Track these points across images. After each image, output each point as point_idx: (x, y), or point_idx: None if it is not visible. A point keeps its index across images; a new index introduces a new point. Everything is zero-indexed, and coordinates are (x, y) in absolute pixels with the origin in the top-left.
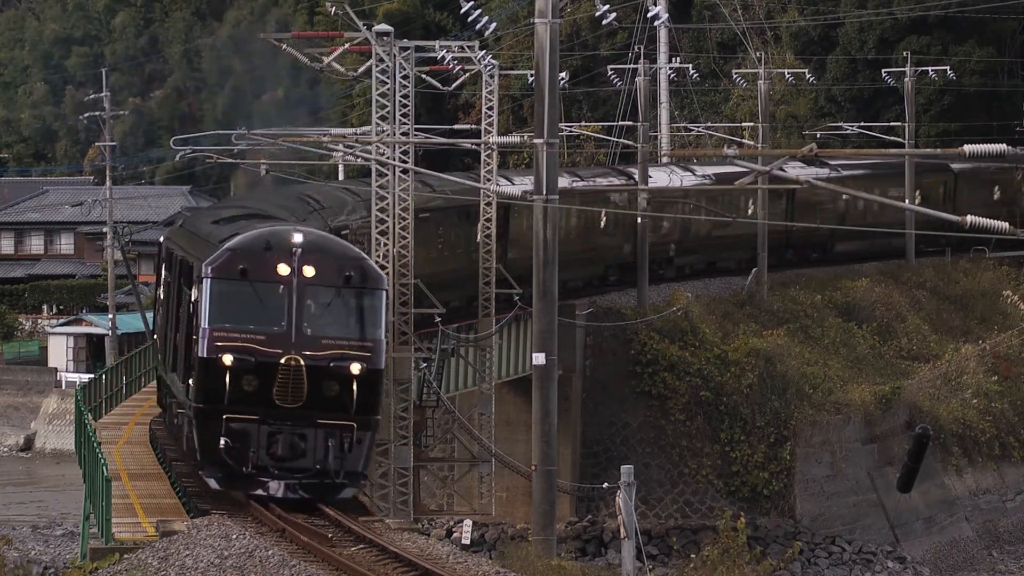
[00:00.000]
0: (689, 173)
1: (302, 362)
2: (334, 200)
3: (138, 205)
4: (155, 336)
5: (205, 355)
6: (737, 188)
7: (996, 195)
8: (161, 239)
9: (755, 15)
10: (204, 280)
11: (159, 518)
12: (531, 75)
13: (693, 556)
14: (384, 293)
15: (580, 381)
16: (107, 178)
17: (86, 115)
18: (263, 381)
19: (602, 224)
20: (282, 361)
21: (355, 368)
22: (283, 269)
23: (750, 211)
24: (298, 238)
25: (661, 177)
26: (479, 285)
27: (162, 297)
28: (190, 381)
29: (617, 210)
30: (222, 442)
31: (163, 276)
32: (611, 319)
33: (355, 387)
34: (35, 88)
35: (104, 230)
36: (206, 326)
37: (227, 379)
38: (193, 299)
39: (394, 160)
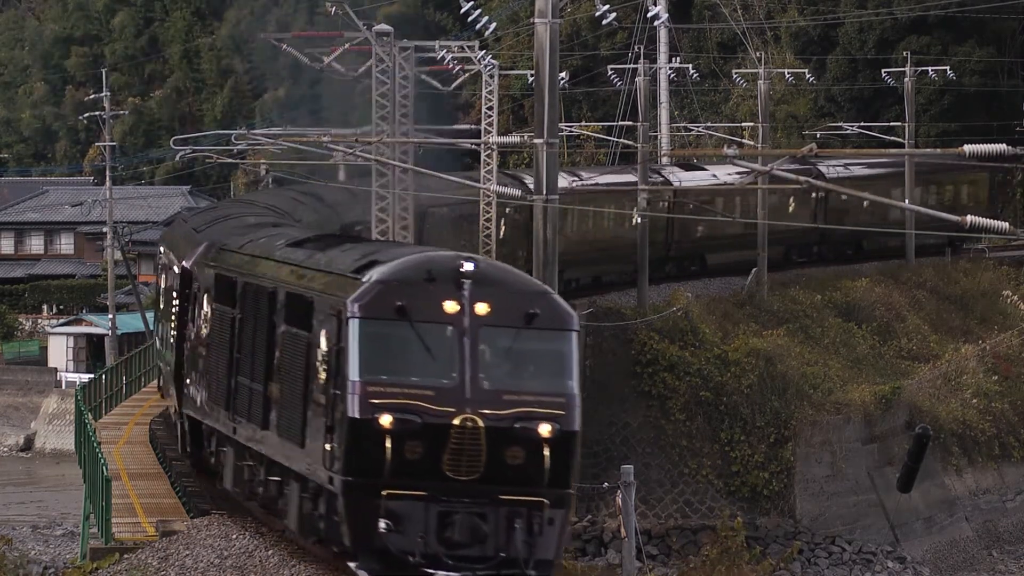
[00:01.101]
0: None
1: (480, 423)
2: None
3: (138, 205)
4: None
5: (357, 415)
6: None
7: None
8: (187, 264)
9: (755, 15)
10: (350, 321)
11: (159, 518)
12: (531, 75)
13: (693, 556)
14: (576, 335)
15: (580, 381)
16: (107, 178)
17: (86, 115)
18: (431, 447)
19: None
20: (455, 422)
21: (545, 430)
22: (451, 306)
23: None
24: (468, 266)
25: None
26: None
27: (202, 334)
28: (328, 447)
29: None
30: (381, 525)
31: (201, 310)
32: (611, 319)
33: (546, 453)
34: (35, 88)
35: (104, 230)
36: (356, 379)
37: (386, 445)
38: (327, 346)
39: (394, 160)
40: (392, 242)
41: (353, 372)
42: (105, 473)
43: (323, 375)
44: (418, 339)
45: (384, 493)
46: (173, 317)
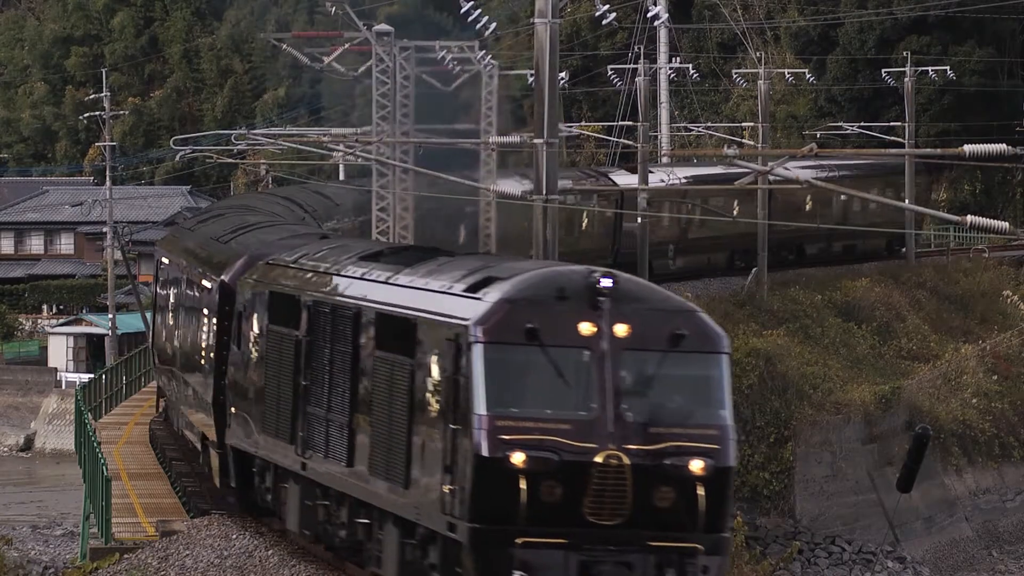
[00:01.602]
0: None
1: (625, 460)
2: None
3: (138, 205)
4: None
5: (486, 454)
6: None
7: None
8: (227, 279)
9: (755, 15)
10: (474, 347)
11: (159, 518)
12: (531, 75)
13: None
14: (727, 358)
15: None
16: (107, 178)
17: (86, 115)
18: (570, 489)
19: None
20: (597, 459)
21: (697, 466)
22: (587, 327)
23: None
24: (606, 282)
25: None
26: None
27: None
28: (446, 489)
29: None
30: None
31: (248, 331)
32: None
33: (700, 493)
34: (35, 88)
35: (104, 230)
36: (483, 412)
37: (520, 487)
38: (440, 374)
39: (394, 160)
40: (491, 255)
41: (479, 404)
42: (105, 473)
43: (435, 407)
44: (551, 366)
45: (518, 541)
46: (204, 337)
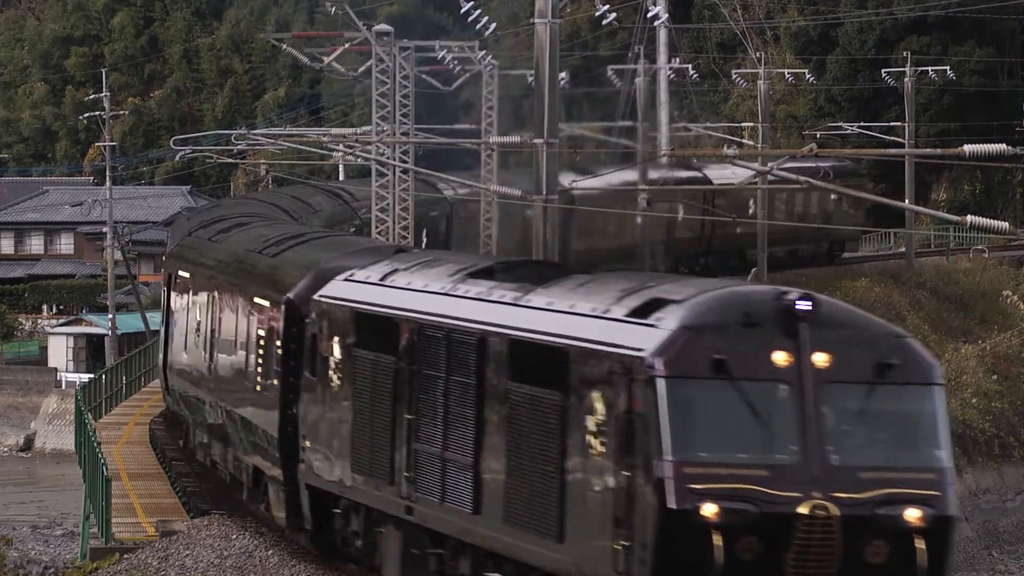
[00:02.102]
0: None
1: (834, 510)
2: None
3: (138, 205)
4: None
5: (674, 506)
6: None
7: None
8: (292, 297)
9: (755, 15)
10: (656, 381)
11: (159, 518)
12: (531, 75)
13: None
14: (942, 390)
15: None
16: (107, 178)
17: (86, 115)
18: (771, 544)
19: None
20: (801, 510)
21: (914, 516)
22: (782, 357)
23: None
24: (804, 304)
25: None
26: None
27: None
28: (621, 545)
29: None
30: None
31: (328, 357)
32: None
33: (919, 547)
34: (35, 88)
35: (104, 230)
36: (669, 458)
37: (714, 544)
38: (607, 412)
39: (394, 160)
40: (639, 272)
41: (664, 449)
42: (105, 473)
43: (599, 450)
44: (743, 403)
45: None
46: (260, 362)
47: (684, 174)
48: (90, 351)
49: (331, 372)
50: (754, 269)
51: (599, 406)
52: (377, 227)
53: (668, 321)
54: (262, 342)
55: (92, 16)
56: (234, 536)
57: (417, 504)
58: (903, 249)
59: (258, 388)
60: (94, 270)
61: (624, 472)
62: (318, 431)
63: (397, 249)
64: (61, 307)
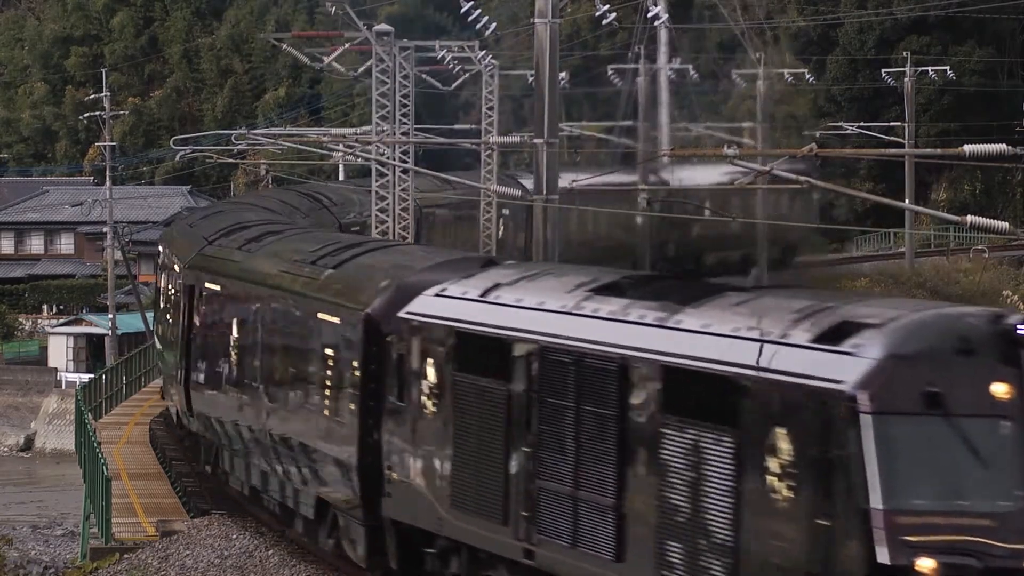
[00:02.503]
0: None
1: None
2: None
3: (138, 205)
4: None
5: (887, 560)
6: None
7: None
8: (372, 312)
9: (755, 15)
10: (861, 418)
11: (159, 518)
12: (531, 75)
13: None
14: None
15: None
16: (107, 178)
17: (86, 115)
18: None
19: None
20: None
21: None
22: (1003, 390)
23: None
24: None
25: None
26: None
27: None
28: None
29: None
30: None
31: (417, 380)
32: None
33: None
34: (35, 88)
35: (104, 230)
36: (879, 506)
37: None
38: (798, 452)
39: (394, 160)
40: (811, 289)
41: (874, 496)
42: (105, 473)
43: (786, 495)
44: (961, 442)
45: None
46: (326, 384)
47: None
48: (90, 351)
49: (424, 397)
50: (754, 269)
51: (784, 445)
52: (377, 227)
53: (869, 348)
54: (330, 362)
55: (92, 16)
56: (234, 536)
57: (539, 548)
58: (903, 249)
59: (326, 412)
60: (94, 270)
61: (820, 521)
62: (408, 462)
63: (485, 261)
64: (61, 307)
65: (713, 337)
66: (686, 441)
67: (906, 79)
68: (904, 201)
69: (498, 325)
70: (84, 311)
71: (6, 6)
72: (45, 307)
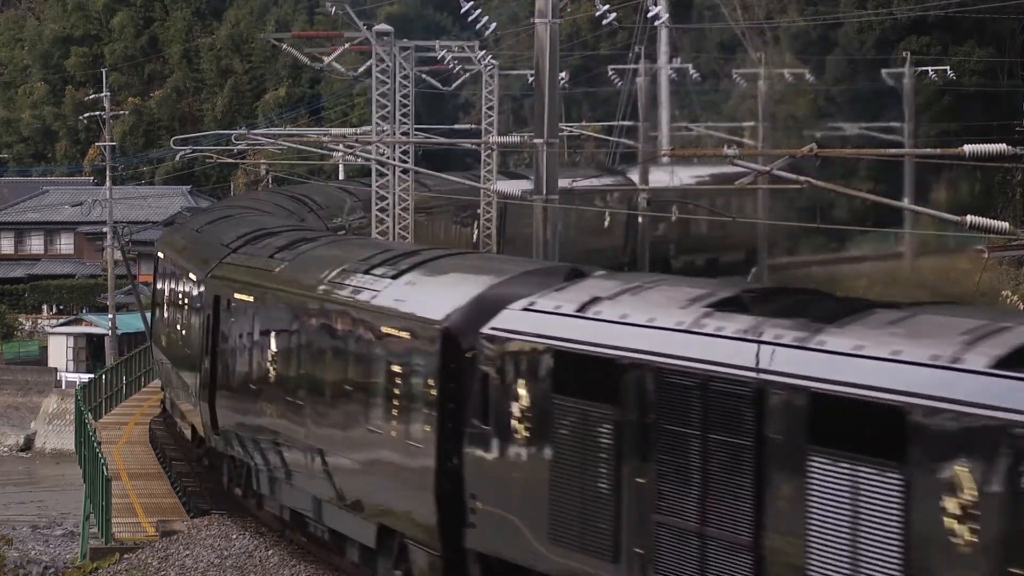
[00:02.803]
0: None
1: None
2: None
3: (138, 205)
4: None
5: None
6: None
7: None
8: (448, 325)
9: (755, 15)
10: None
11: (159, 518)
12: (531, 75)
13: None
14: None
15: None
16: (107, 178)
17: (86, 115)
18: None
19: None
20: None
21: None
22: None
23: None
24: None
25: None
26: None
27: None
28: None
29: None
30: None
31: (504, 404)
32: None
33: None
34: (35, 88)
35: (104, 230)
36: None
37: None
38: (994, 492)
39: (394, 160)
40: (955, 306)
41: None
42: (105, 473)
43: (969, 539)
44: None
45: None
46: (394, 404)
47: (610, 179)
48: (90, 351)
49: (515, 421)
50: (754, 269)
51: (966, 484)
52: (377, 227)
53: None
54: (399, 380)
55: (92, 16)
56: (234, 536)
57: None
58: (902, 249)
59: (394, 434)
60: (94, 270)
61: (1015, 571)
62: (495, 491)
63: (569, 271)
64: (61, 307)
65: (866, 360)
66: (840, 476)
67: (906, 79)
68: (904, 201)
69: (605, 344)
70: (84, 311)
71: (6, 6)
72: (45, 307)
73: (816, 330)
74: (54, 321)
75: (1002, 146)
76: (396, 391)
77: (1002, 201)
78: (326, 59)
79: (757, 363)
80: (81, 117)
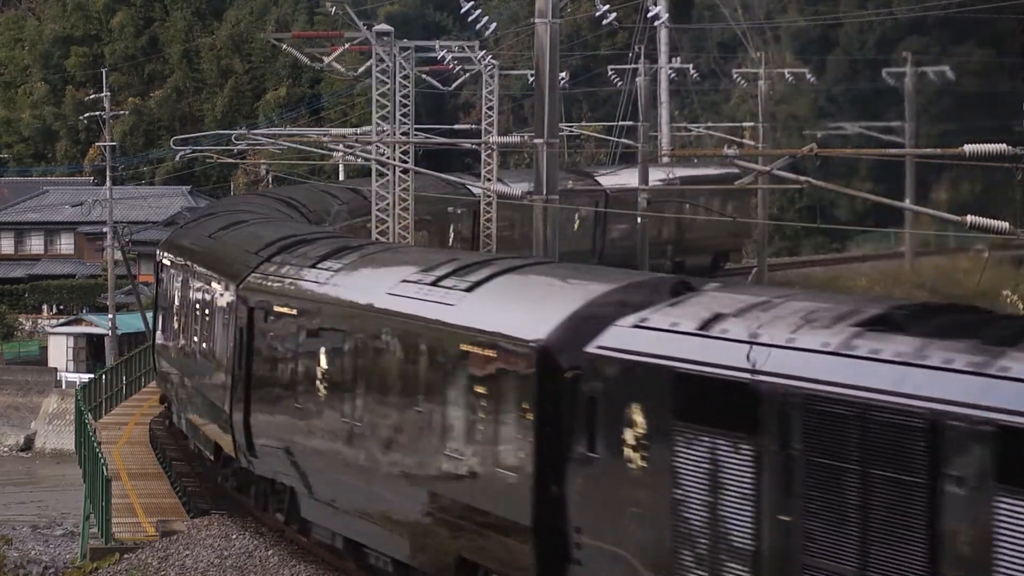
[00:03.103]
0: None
1: None
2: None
3: (138, 205)
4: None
5: None
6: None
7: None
8: (544, 342)
9: (755, 15)
10: None
11: (159, 518)
12: (531, 75)
13: None
14: None
15: None
16: (107, 178)
17: (86, 115)
18: None
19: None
20: None
21: None
22: None
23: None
24: None
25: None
26: None
27: None
28: None
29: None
30: None
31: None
32: None
33: None
34: (35, 88)
35: (104, 230)
36: None
37: None
38: None
39: (394, 160)
40: None
41: None
42: (105, 473)
43: None
44: None
45: None
46: (482, 427)
47: (576, 181)
48: (90, 351)
49: (629, 449)
50: (754, 269)
51: None
52: (377, 227)
53: None
54: (482, 402)
55: (92, 16)
56: (234, 536)
57: None
58: (903, 249)
59: (476, 461)
60: (94, 270)
61: None
62: (606, 525)
63: (676, 284)
64: (61, 307)
65: None
66: None
67: (906, 79)
68: (904, 201)
69: (738, 367)
70: (84, 311)
71: (6, 6)
72: (45, 307)
73: (996, 354)
74: (54, 321)
75: (1002, 146)
76: (480, 414)
77: (1002, 201)
78: (326, 59)
79: (927, 392)
80: (81, 117)
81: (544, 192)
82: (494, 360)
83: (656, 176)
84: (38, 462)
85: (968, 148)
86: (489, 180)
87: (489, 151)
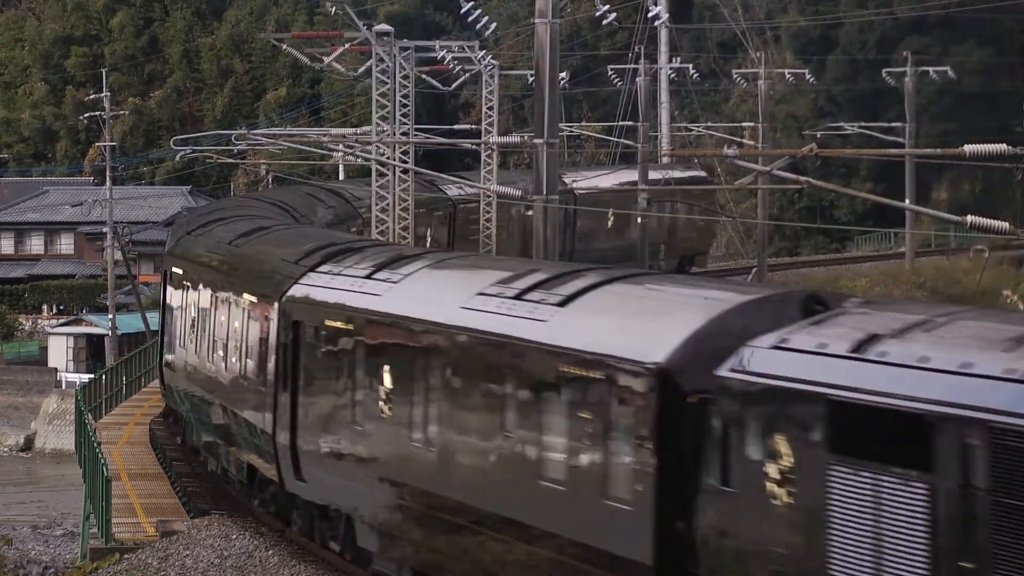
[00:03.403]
0: None
1: None
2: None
3: (138, 205)
4: None
5: None
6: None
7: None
8: (663, 363)
9: (755, 15)
10: None
11: (159, 518)
12: (531, 75)
13: None
14: None
15: None
16: (107, 178)
17: (86, 115)
18: None
19: None
20: None
21: None
22: None
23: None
24: None
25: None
26: None
27: None
28: None
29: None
30: None
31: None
32: None
33: None
34: (35, 88)
35: (104, 230)
36: None
37: None
38: None
39: (394, 160)
40: None
41: None
42: (105, 473)
43: None
44: None
45: None
46: (591, 457)
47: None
48: (90, 351)
49: (773, 484)
50: (754, 269)
51: None
52: (377, 227)
53: None
54: (588, 428)
55: (92, 16)
56: (234, 536)
57: None
58: (903, 249)
59: (583, 493)
60: (94, 270)
61: None
62: (748, 566)
63: (808, 299)
64: (61, 307)
65: None
66: None
67: (906, 79)
68: (904, 201)
69: (906, 395)
70: (84, 311)
71: (6, 6)
72: (45, 307)
73: None
74: (54, 321)
75: (1002, 146)
76: (586, 441)
77: (1002, 201)
78: (326, 59)
79: None
80: (81, 117)
81: (544, 192)
82: (603, 384)
83: (623, 179)
84: (38, 462)
85: (968, 148)
86: (489, 180)
87: (489, 151)
